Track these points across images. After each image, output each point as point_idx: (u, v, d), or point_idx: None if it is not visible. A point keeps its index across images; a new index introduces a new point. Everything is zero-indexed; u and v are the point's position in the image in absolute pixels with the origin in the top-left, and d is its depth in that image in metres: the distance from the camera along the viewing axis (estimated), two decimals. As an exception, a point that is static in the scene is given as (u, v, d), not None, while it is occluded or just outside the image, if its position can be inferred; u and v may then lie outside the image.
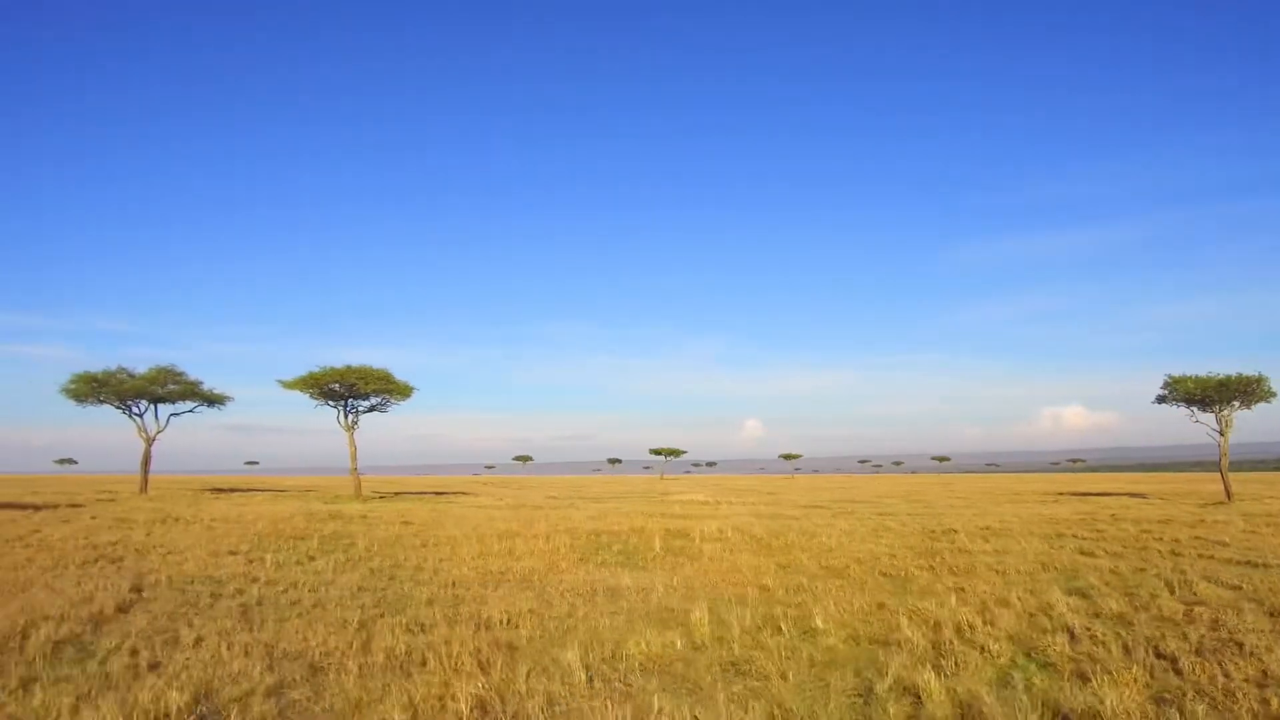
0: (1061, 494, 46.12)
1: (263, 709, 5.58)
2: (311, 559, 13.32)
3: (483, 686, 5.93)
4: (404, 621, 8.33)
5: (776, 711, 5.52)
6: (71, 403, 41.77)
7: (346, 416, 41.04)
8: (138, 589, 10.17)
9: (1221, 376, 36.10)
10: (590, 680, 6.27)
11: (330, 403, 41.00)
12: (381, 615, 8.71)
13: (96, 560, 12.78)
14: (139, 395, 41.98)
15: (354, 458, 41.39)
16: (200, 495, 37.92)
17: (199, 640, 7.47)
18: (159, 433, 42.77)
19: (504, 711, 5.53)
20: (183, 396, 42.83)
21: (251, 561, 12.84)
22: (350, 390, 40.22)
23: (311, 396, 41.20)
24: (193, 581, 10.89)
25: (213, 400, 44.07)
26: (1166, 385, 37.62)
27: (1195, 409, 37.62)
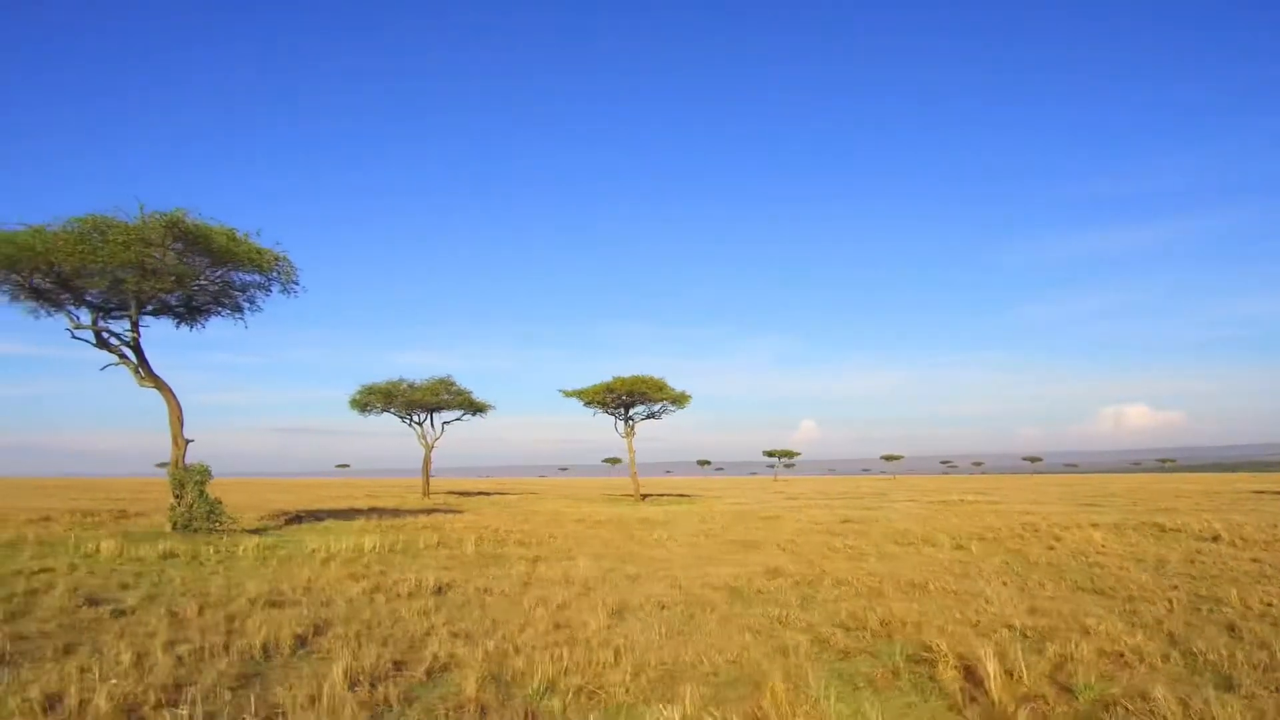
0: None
1: None
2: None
3: None
4: None
5: None
6: (355, 413, 44.11)
7: (627, 423, 42.52)
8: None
9: None
10: None
11: (609, 411, 42.54)
12: None
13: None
14: (419, 405, 44.04)
15: (633, 463, 42.84)
16: (481, 499, 39.73)
17: None
18: (437, 439, 44.85)
19: None
20: (455, 406, 44.80)
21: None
22: (631, 399, 41.65)
23: (585, 404, 42.83)
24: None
25: (478, 408, 45.95)
26: None
27: None
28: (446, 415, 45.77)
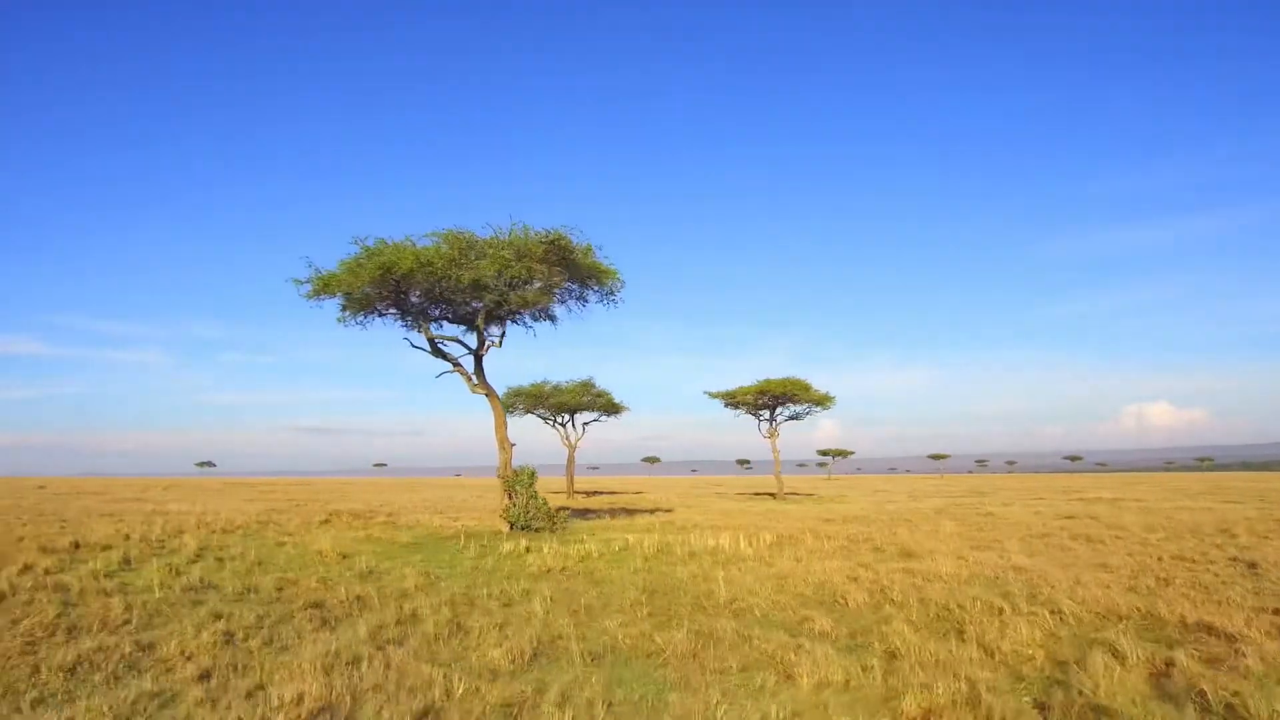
0: None
1: None
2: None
3: None
4: None
5: None
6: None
7: (772, 424, 43.25)
8: None
9: None
10: None
11: (753, 412, 43.28)
12: None
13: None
14: (564, 407, 44.95)
15: (778, 463, 43.56)
16: (631, 498, 40.57)
17: None
18: (579, 440, 45.76)
19: None
20: (596, 408, 45.68)
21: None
22: (779, 400, 42.36)
23: (726, 404, 43.60)
24: None
25: (614, 410, 46.80)
26: None
27: None
28: (585, 416, 46.69)
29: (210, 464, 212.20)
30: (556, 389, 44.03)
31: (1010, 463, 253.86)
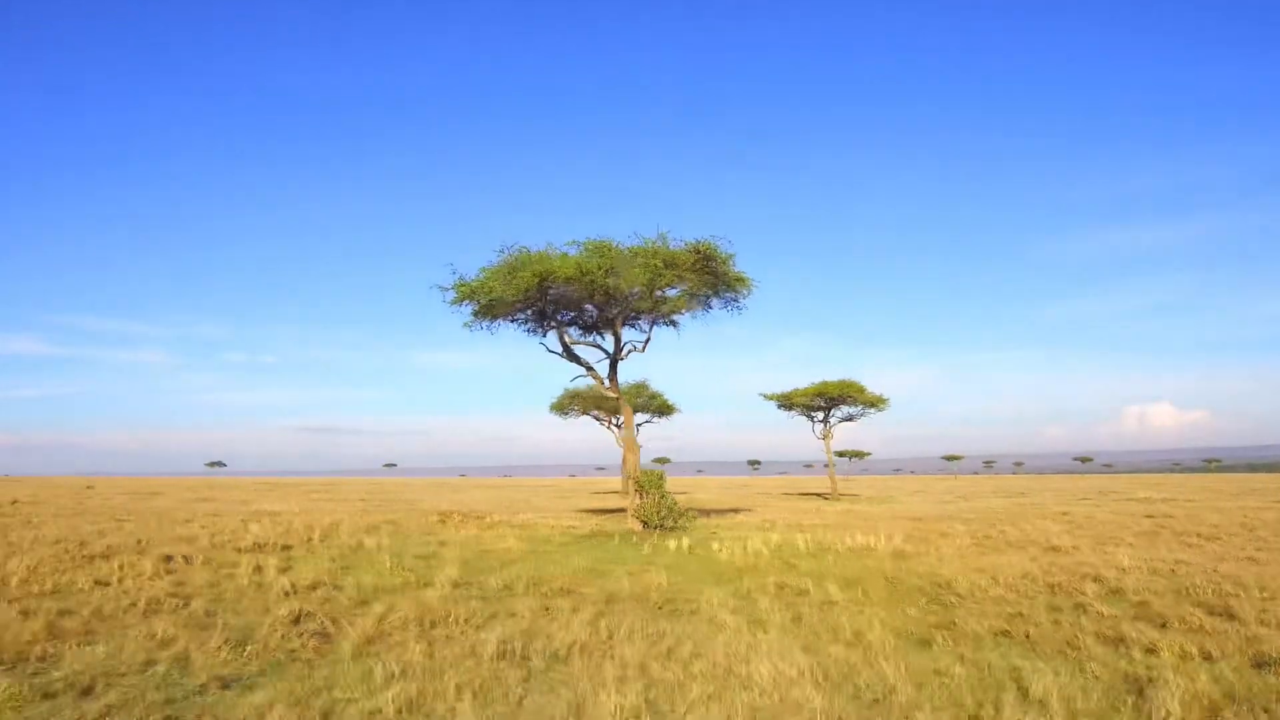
0: None
1: None
2: None
3: None
4: None
5: None
6: (556, 415, 45.89)
7: (826, 425, 44.05)
8: None
9: None
10: None
11: (807, 413, 44.07)
12: None
13: None
14: (617, 409, 45.70)
15: (832, 464, 44.37)
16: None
17: None
18: (633, 442, 46.54)
19: None
20: (650, 409, 46.44)
21: None
22: (832, 402, 43.15)
23: (780, 406, 44.37)
24: None
25: (666, 411, 47.58)
26: None
27: None
28: (638, 418, 47.42)
29: (221, 464, 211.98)
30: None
31: (1017, 464, 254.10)
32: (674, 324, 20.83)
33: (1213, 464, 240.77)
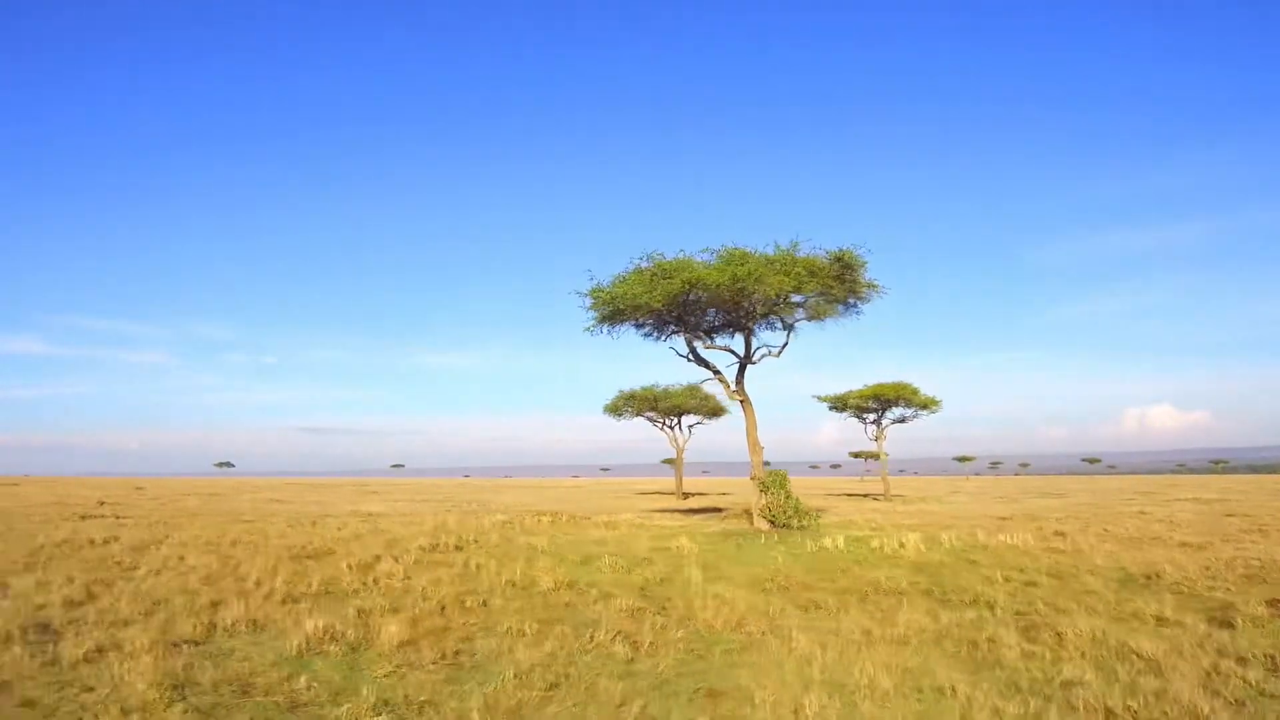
0: None
1: None
2: None
3: None
4: None
5: None
6: (609, 416, 46.57)
7: (879, 426, 44.80)
8: None
9: None
10: None
11: (860, 415, 44.82)
12: None
13: None
14: (673, 410, 46.38)
15: (884, 465, 45.13)
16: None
17: None
18: (686, 442, 47.24)
19: None
20: (703, 411, 47.13)
21: None
22: (886, 403, 43.88)
23: (831, 408, 45.13)
24: None
25: (717, 412, 48.23)
26: None
27: None
28: (689, 419, 48.14)
29: (229, 464, 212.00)
30: (666, 392, 45.41)
31: (1023, 464, 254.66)
32: (791, 328, 21.51)
33: (1220, 465, 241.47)
